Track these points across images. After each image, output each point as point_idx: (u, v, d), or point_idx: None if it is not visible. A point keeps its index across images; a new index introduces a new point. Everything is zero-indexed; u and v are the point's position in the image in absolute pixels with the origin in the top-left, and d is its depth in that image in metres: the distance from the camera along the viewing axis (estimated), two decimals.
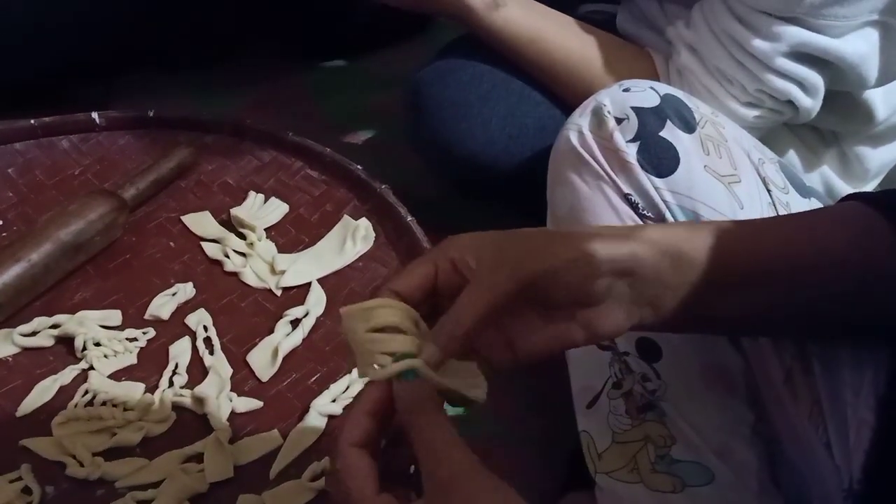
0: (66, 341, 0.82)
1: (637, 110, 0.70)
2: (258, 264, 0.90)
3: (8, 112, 1.06)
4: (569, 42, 0.92)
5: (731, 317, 0.56)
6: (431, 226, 0.92)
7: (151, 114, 1.03)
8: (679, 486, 0.67)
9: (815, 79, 0.82)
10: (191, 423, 0.77)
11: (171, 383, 0.80)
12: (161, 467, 0.73)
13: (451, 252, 0.52)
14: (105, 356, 0.81)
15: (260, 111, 1.28)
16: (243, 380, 0.81)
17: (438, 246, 0.53)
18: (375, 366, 0.50)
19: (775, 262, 0.55)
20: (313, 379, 0.81)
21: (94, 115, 1.03)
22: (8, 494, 0.70)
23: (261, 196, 0.97)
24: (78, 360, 0.81)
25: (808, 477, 0.64)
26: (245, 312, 0.87)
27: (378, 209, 0.96)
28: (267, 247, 0.92)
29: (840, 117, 0.90)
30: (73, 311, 0.84)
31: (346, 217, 0.95)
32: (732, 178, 0.70)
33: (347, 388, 0.80)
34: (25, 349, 0.81)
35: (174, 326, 0.84)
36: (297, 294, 0.88)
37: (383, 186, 0.97)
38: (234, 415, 0.78)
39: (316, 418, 0.77)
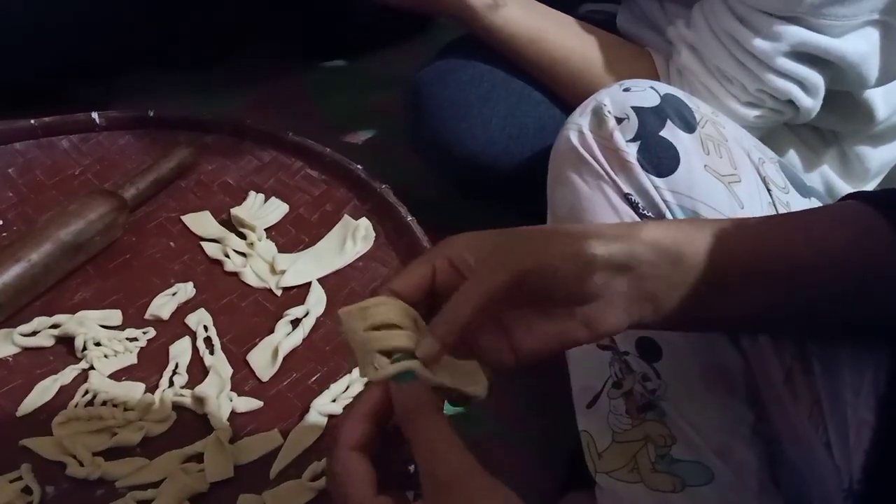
0: (66, 341, 0.82)
1: (637, 110, 0.70)
2: (258, 264, 0.90)
3: (8, 112, 1.06)
4: (569, 42, 0.92)
5: (731, 316, 0.56)
6: (431, 226, 0.92)
7: (151, 114, 1.03)
8: (679, 486, 0.67)
9: (816, 78, 0.82)
10: (191, 422, 0.77)
11: (171, 383, 0.80)
12: (161, 467, 0.73)
13: (449, 251, 0.52)
14: (105, 356, 0.81)
15: (260, 111, 1.28)
16: (243, 380, 0.81)
17: (436, 246, 0.54)
18: (374, 366, 0.50)
19: (775, 262, 0.55)
20: (313, 379, 0.81)
21: (94, 115, 1.03)
22: (8, 494, 0.70)
23: (261, 196, 0.97)
24: (78, 360, 0.81)
25: (808, 477, 0.64)
26: (245, 312, 0.87)
27: (378, 209, 0.96)
28: (267, 247, 0.92)
29: (840, 117, 0.90)
30: (73, 311, 0.84)
31: (346, 217, 0.95)
32: (733, 177, 0.70)
33: (347, 387, 0.80)
34: (25, 349, 0.81)
35: (174, 326, 0.84)
36: (298, 294, 0.88)
37: (383, 186, 0.97)
38: (234, 415, 0.78)
39: (316, 418, 0.77)
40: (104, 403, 0.77)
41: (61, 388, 0.79)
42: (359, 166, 0.99)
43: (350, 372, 0.81)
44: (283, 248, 0.92)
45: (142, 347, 0.82)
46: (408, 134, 1.02)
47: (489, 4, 0.91)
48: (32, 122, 1.00)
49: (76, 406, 0.77)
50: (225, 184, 0.99)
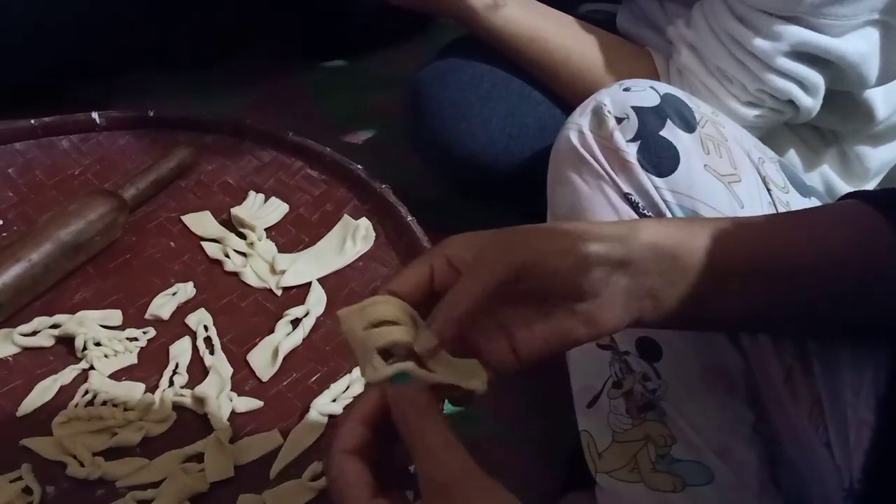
0: (66, 341, 0.82)
1: (637, 110, 0.70)
2: (258, 264, 0.90)
3: (8, 112, 1.06)
4: (569, 41, 0.92)
5: (730, 315, 0.56)
6: (431, 226, 0.92)
7: (151, 114, 1.03)
8: (679, 486, 0.67)
9: (816, 78, 0.82)
10: (191, 422, 0.77)
11: (171, 383, 0.80)
12: (161, 467, 0.73)
13: (447, 251, 0.53)
14: (105, 356, 0.81)
15: (260, 111, 1.28)
16: (243, 379, 0.81)
17: (435, 246, 0.54)
18: (371, 367, 0.50)
19: (775, 262, 0.55)
20: (314, 379, 0.81)
21: (94, 115, 1.03)
22: (8, 494, 0.70)
23: (261, 196, 0.97)
24: (78, 360, 0.81)
25: (808, 477, 0.64)
26: (245, 312, 0.87)
27: (378, 209, 0.96)
28: (267, 246, 0.92)
29: (840, 117, 0.90)
30: (73, 310, 0.84)
31: (346, 217, 0.95)
32: (732, 177, 0.69)
33: (348, 387, 0.80)
34: (26, 349, 0.81)
35: (174, 326, 0.85)
36: (298, 294, 0.88)
37: (383, 186, 0.97)
38: (234, 414, 0.78)
39: (316, 418, 0.77)
40: (104, 403, 0.77)
41: (61, 388, 0.79)
42: (359, 166, 0.99)
43: (350, 372, 0.81)
44: (283, 248, 0.92)
45: (142, 347, 0.82)
46: (408, 134, 1.02)
47: (489, 4, 0.91)
48: (32, 122, 1.00)
49: (76, 406, 0.77)
50: (225, 184, 0.99)
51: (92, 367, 0.80)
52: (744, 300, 0.55)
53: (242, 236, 0.93)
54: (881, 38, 0.82)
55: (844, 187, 0.95)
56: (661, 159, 0.69)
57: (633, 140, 0.69)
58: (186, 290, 0.87)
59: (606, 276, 0.52)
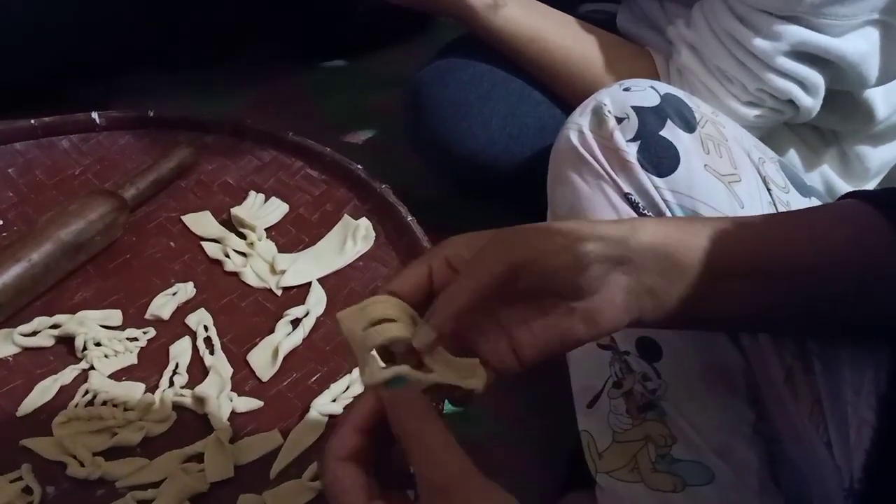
0: (66, 341, 0.82)
1: (637, 109, 0.70)
2: (258, 264, 0.90)
3: (8, 112, 1.06)
4: (569, 41, 0.92)
5: (730, 314, 0.56)
6: (431, 226, 0.92)
7: (151, 114, 1.03)
8: (680, 486, 0.67)
9: (816, 78, 0.82)
10: (191, 422, 0.77)
11: (171, 383, 0.80)
12: (161, 467, 0.73)
13: (446, 251, 0.53)
14: (105, 356, 0.81)
15: (260, 111, 1.28)
16: (244, 379, 0.81)
17: (434, 247, 0.54)
18: (368, 370, 0.50)
19: (775, 261, 0.55)
20: (314, 379, 0.81)
21: (94, 115, 1.03)
22: (8, 494, 0.70)
23: (261, 196, 0.97)
24: (78, 360, 0.81)
25: (808, 476, 0.64)
26: (245, 312, 0.87)
27: (378, 209, 0.96)
28: (267, 246, 0.92)
29: (840, 116, 0.90)
30: (73, 311, 0.84)
31: (346, 217, 0.95)
32: (733, 177, 0.69)
33: (348, 387, 0.80)
34: (26, 349, 0.81)
35: (174, 326, 0.85)
36: (298, 294, 0.88)
37: (383, 186, 0.97)
38: (234, 414, 0.78)
39: (316, 418, 0.77)
40: (104, 403, 0.77)
41: (61, 388, 0.79)
42: (359, 166, 0.99)
43: (350, 372, 0.81)
44: (283, 248, 0.92)
45: (142, 347, 0.82)
46: (408, 134, 1.02)
47: (489, 4, 0.91)
48: (32, 122, 1.00)
49: (76, 406, 0.77)
50: (225, 184, 0.99)
51: (92, 367, 0.80)
52: (744, 300, 0.55)
53: (242, 236, 0.93)
54: (881, 37, 0.82)
55: (844, 187, 0.95)
56: (662, 159, 0.69)
57: (633, 140, 0.69)
58: (186, 290, 0.87)
59: (605, 274, 0.52)
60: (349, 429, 0.50)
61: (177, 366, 0.81)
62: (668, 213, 0.68)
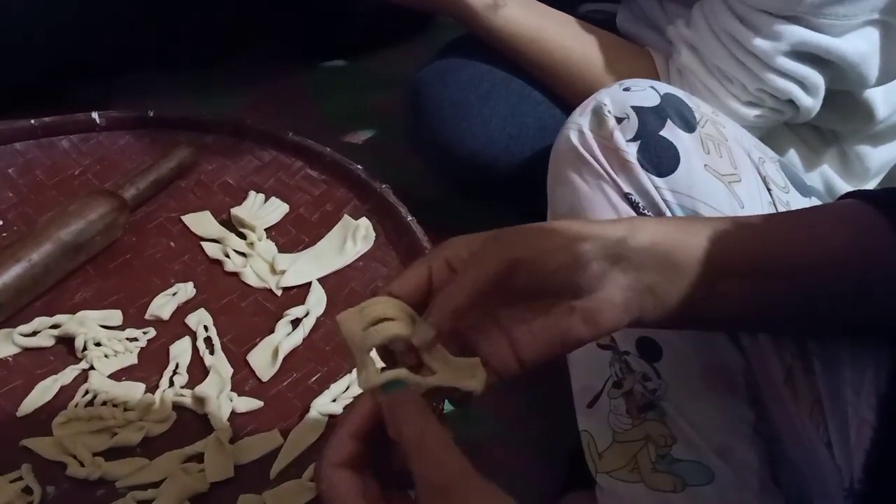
0: (66, 341, 0.82)
1: (637, 109, 0.70)
2: (258, 264, 0.90)
3: (8, 112, 1.06)
4: (569, 41, 0.92)
5: (731, 315, 0.56)
6: (431, 226, 0.92)
7: (151, 114, 1.03)
8: (680, 486, 0.67)
9: (816, 78, 0.82)
10: (191, 422, 0.77)
11: (171, 383, 0.80)
12: (161, 467, 0.73)
13: (445, 252, 0.53)
14: (105, 356, 0.81)
15: (260, 111, 1.28)
16: (244, 380, 0.81)
17: (433, 249, 0.54)
18: (365, 373, 0.50)
19: (775, 262, 0.55)
20: (314, 379, 0.81)
21: (94, 115, 1.03)
22: (8, 494, 0.70)
23: (261, 196, 0.97)
24: (78, 360, 0.81)
25: (808, 476, 0.64)
26: (245, 312, 0.87)
27: (378, 209, 0.96)
28: (267, 247, 0.92)
29: (840, 116, 0.90)
30: (73, 311, 0.84)
31: (346, 217, 0.95)
32: (733, 177, 0.69)
33: (348, 387, 0.80)
34: (26, 349, 0.81)
35: (174, 326, 0.84)
36: (298, 294, 0.88)
37: (383, 186, 0.97)
38: (234, 415, 0.78)
39: (316, 418, 0.77)
40: (104, 403, 0.77)
41: (61, 388, 0.78)
42: (359, 166, 0.99)
43: (350, 372, 0.81)
44: (283, 248, 0.92)
45: (142, 347, 0.82)
46: (408, 134, 1.02)
47: (489, 4, 0.91)
48: (32, 122, 1.00)
49: (76, 406, 0.77)
50: (225, 184, 0.99)
51: (92, 368, 0.80)
52: (744, 300, 0.55)
53: (242, 236, 0.93)
54: (881, 37, 0.82)
55: (844, 187, 0.95)
56: (662, 159, 0.69)
57: (633, 140, 0.69)
58: (186, 290, 0.87)
59: (604, 273, 0.52)
60: (344, 435, 0.50)
61: (177, 366, 0.81)
62: (668, 213, 0.68)
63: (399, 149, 1.08)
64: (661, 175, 0.69)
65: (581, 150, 0.71)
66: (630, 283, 0.52)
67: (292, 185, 0.99)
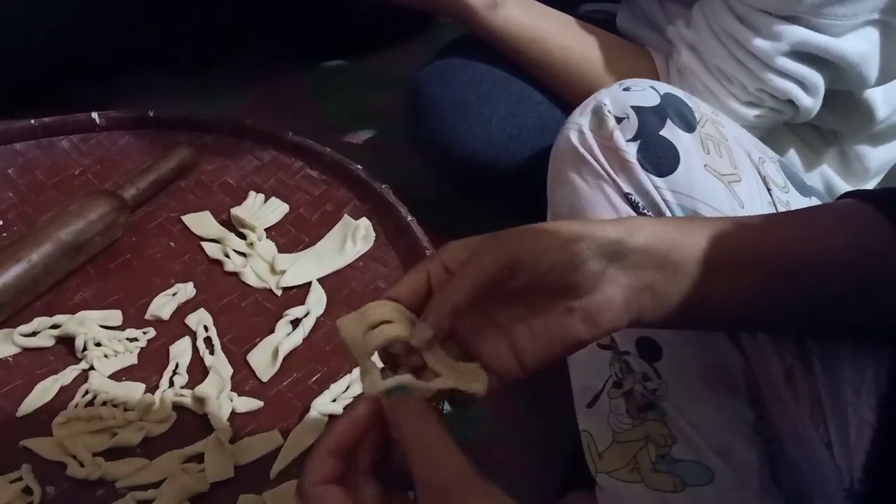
0: (66, 341, 0.82)
1: (637, 109, 0.69)
2: (258, 264, 0.90)
3: (8, 112, 1.06)
4: (569, 41, 0.92)
5: (730, 314, 0.56)
6: (431, 226, 0.92)
7: (151, 114, 1.03)
8: (680, 486, 0.67)
9: (816, 78, 0.82)
10: (191, 423, 0.77)
11: (171, 383, 0.80)
12: (161, 467, 0.73)
13: (443, 256, 0.53)
14: (105, 356, 0.81)
15: (260, 111, 1.28)
16: (244, 380, 0.81)
17: (432, 253, 0.54)
18: (369, 379, 0.50)
19: (774, 262, 0.55)
20: (314, 379, 0.81)
21: (94, 115, 1.03)
22: (8, 495, 0.70)
23: (261, 196, 0.97)
24: (78, 361, 0.81)
25: (808, 476, 0.64)
26: (245, 312, 0.87)
27: (378, 209, 0.96)
28: (267, 247, 0.92)
29: (840, 116, 0.90)
30: (73, 311, 0.84)
31: (346, 217, 0.95)
32: (733, 177, 0.69)
33: (348, 387, 0.80)
34: (26, 349, 0.81)
35: (174, 326, 0.85)
36: (298, 294, 0.88)
37: (383, 186, 0.97)
38: (234, 415, 0.78)
39: (316, 418, 0.78)
40: (104, 404, 0.77)
41: (61, 388, 0.79)
42: (359, 166, 0.99)
43: (350, 372, 0.81)
44: (283, 248, 0.92)
45: (142, 347, 0.82)
46: (408, 134, 1.02)
47: (489, 4, 0.91)
48: (32, 122, 1.01)
49: (76, 406, 0.77)
50: (225, 184, 0.99)
51: (92, 368, 0.80)
52: (743, 300, 0.55)
53: (242, 236, 0.93)
54: (881, 37, 0.82)
55: (844, 187, 0.95)
56: (661, 159, 0.69)
57: (633, 140, 0.69)
58: (186, 291, 0.87)
59: (602, 272, 0.52)
60: (323, 455, 0.50)
61: (177, 366, 0.81)
62: (668, 213, 0.68)
63: (399, 149, 1.08)
64: (661, 175, 0.69)
65: (581, 150, 0.71)
66: (629, 282, 0.52)
67: (292, 185, 0.99)
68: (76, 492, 0.72)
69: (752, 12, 0.81)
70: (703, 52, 0.85)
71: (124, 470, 0.73)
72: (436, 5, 0.95)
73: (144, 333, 0.83)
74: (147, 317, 0.85)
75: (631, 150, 0.69)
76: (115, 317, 0.84)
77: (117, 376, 0.80)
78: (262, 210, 0.96)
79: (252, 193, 0.97)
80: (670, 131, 0.69)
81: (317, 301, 0.87)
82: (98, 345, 0.81)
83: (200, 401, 0.78)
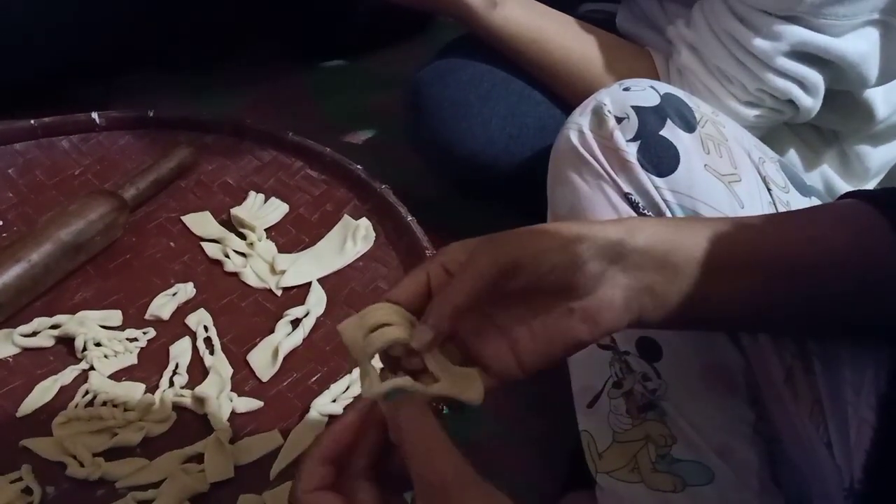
0: (66, 341, 0.82)
1: (637, 109, 0.69)
2: (258, 264, 0.90)
3: (8, 112, 1.06)
4: (569, 41, 0.92)
5: (731, 315, 0.56)
6: (431, 226, 0.92)
7: (151, 114, 1.03)
8: (680, 486, 0.67)
9: (816, 78, 0.82)
10: (191, 423, 0.77)
11: (171, 383, 0.80)
12: (161, 467, 0.73)
13: (443, 257, 0.53)
14: (105, 356, 0.81)
15: (260, 111, 1.28)
16: (244, 380, 0.81)
17: (431, 256, 0.54)
18: (368, 382, 0.50)
19: (774, 262, 0.55)
20: (314, 379, 0.81)
21: (94, 115, 1.03)
22: (8, 495, 0.70)
23: (261, 196, 0.97)
24: (78, 361, 0.81)
25: (808, 476, 0.64)
26: (245, 312, 0.87)
27: (378, 209, 0.96)
28: (267, 247, 0.92)
29: (840, 116, 0.90)
30: (73, 311, 0.84)
31: (346, 217, 0.95)
32: (733, 177, 0.69)
33: (348, 388, 0.80)
34: (26, 349, 0.81)
35: (174, 326, 0.84)
36: (298, 294, 0.88)
37: (383, 186, 0.97)
38: (234, 415, 0.78)
39: (316, 418, 0.77)
40: (104, 404, 0.77)
41: (61, 388, 0.79)
42: (359, 166, 0.99)
43: (350, 372, 0.81)
44: (283, 248, 0.92)
45: (142, 348, 0.82)
46: (408, 134, 1.02)
47: (489, 4, 0.91)
48: (32, 122, 1.00)
49: (76, 406, 0.77)
50: (225, 184, 0.99)
51: (92, 368, 0.80)
52: (743, 300, 0.55)
53: (242, 236, 0.93)
54: (881, 37, 0.82)
55: (844, 187, 0.95)
56: (662, 159, 0.69)
57: (633, 140, 0.69)
58: (186, 291, 0.87)
59: (602, 272, 0.52)
60: (316, 460, 0.50)
61: (177, 366, 0.81)
62: (669, 213, 0.68)
63: (399, 149, 1.08)
64: (661, 175, 0.69)
65: (581, 150, 0.71)
66: (629, 282, 0.52)
67: (292, 185, 0.99)
68: (76, 492, 0.72)
69: (752, 12, 0.81)
70: (703, 52, 0.85)
71: (124, 470, 0.73)
72: (436, 5, 0.95)
73: (144, 333, 0.83)
74: (147, 317, 0.85)
75: (631, 150, 0.69)
76: (115, 317, 0.84)
77: (117, 376, 0.80)
78: (262, 210, 0.96)
79: (252, 193, 0.97)
80: (670, 131, 0.69)
81: (317, 301, 0.87)
82: (98, 345, 0.81)
83: (200, 401, 0.78)
